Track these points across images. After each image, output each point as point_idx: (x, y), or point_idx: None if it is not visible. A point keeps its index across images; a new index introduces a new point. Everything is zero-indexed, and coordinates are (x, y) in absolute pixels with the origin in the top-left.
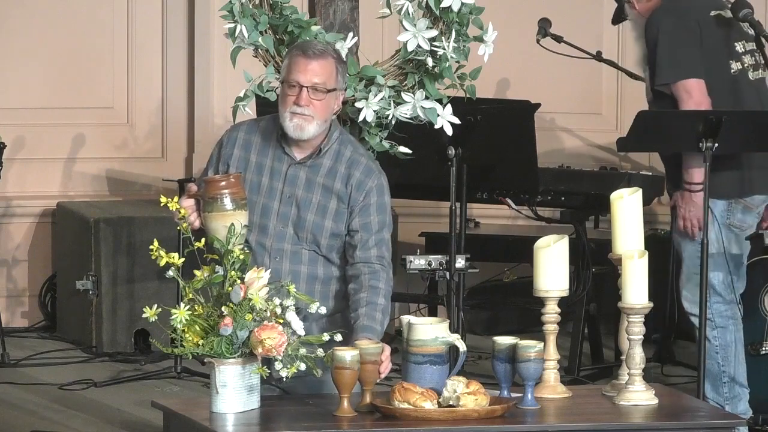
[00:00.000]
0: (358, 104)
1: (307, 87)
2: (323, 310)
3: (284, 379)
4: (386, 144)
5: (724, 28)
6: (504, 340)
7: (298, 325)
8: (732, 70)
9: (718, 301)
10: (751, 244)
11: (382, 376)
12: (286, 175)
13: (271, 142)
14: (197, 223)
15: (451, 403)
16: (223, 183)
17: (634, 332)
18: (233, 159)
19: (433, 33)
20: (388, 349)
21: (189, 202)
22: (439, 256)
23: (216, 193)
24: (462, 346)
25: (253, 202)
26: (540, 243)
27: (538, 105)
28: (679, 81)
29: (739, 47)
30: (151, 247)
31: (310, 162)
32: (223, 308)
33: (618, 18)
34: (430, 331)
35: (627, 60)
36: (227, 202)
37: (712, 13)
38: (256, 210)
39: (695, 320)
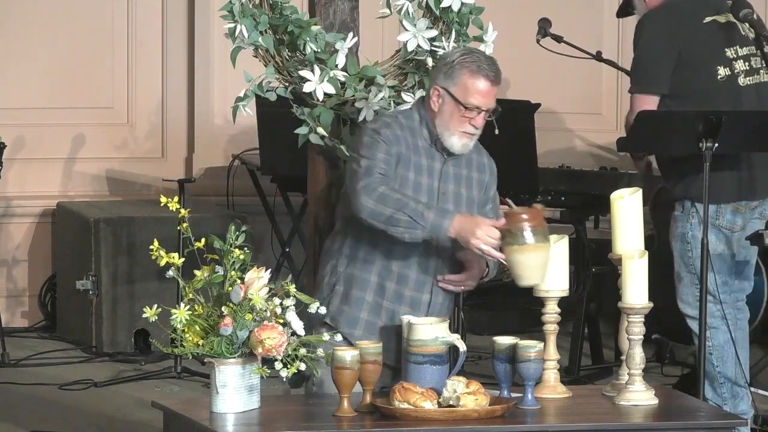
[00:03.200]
0: (358, 104)
1: (485, 110)
2: (323, 310)
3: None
4: None
5: (716, 34)
6: (504, 340)
7: (298, 325)
8: (719, 76)
9: (710, 301)
10: (751, 243)
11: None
12: (441, 172)
13: (419, 140)
14: (500, 255)
15: (451, 403)
16: (525, 216)
17: (634, 332)
18: (400, 157)
19: (433, 33)
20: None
21: (495, 233)
22: None
23: (517, 227)
24: (462, 346)
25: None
26: None
27: (538, 105)
28: (634, 93)
29: (730, 53)
30: (151, 247)
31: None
32: (223, 308)
33: (624, 11)
34: (430, 331)
35: (627, 60)
36: (528, 235)
37: (707, 19)
38: (423, 199)
39: (689, 321)
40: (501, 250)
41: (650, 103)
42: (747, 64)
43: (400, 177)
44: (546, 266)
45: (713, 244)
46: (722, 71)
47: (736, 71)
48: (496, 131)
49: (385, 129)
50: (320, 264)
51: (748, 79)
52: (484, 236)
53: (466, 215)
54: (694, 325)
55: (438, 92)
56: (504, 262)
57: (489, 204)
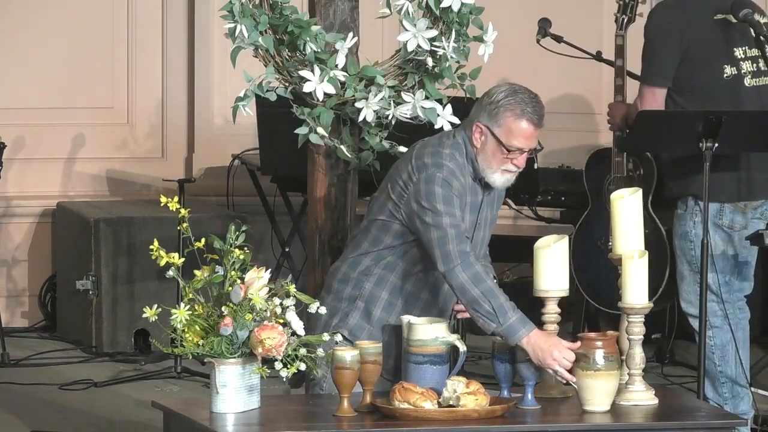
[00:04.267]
0: (358, 104)
1: (527, 150)
2: (323, 310)
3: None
4: (386, 144)
5: (725, 33)
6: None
7: (298, 325)
8: (725, 75)
9: (711, 300)
10: (751, 244)
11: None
12: (480, 204)
13: (467, 178)
14: (571, 377)
15: (451, 403)
16: (600, 343)
17: (634, 332)
18: (464, 206)
19: (433, 33)
20: None
21: (571, 355)
22: None
23: (591, 352)
24: (462, 346)
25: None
26: (540, 243)
27: None
28: (643, 83)
29: (738, 53)
30: (151, 247)
31: None
32: (223, 308)
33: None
34: (430, 331)
35: (627, 60)
36: (600, 361)
37: (718, 16)
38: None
39: (691, 320)
40: (572, 373)
41: (658, 95)
42: (755, 65)
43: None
44: (614, 393)
45: (716, 243)
46: (729, 70)
47: (743, 71)
48: (536, 166)
49: (453, 179)
50: (339, 271)
51: (754, 80)
52: (561, 359)
53: (543, 333)
54: (696, 325)
55: (481, 130)
56: (574, 385)
57: (494, 222)
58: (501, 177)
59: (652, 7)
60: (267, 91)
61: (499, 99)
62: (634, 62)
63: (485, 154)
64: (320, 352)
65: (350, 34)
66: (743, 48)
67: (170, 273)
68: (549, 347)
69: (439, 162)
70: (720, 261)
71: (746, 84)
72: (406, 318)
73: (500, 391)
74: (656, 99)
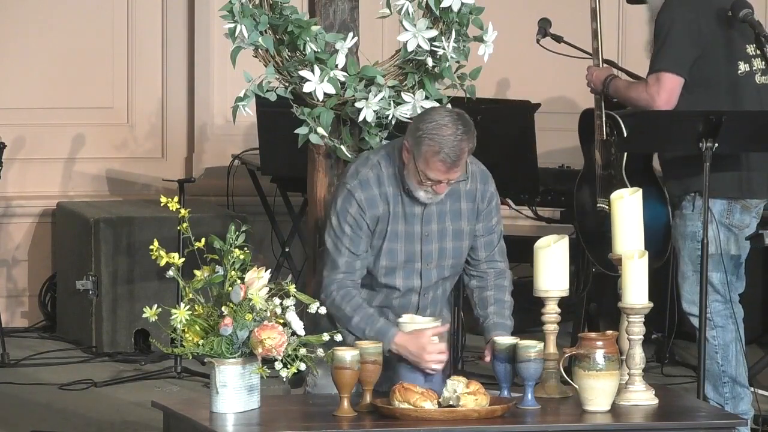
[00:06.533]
0: (358, 104)
1: (445, 182)
2: (323, 311)
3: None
4: None
5: (739, 29)
6: (504, 340)
7: (298, 325)
8: (739, 71)
9: (717, 300)
10: (751, 243)
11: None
12: (423, 215)
13: (399, 189)
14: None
15: (451, 403)
16: (600, 343)
17: (634, 332)
18: (377, 217)
19: (433, 33)
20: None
21: (441, 347)
22: None
23: (591, 352)
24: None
25: (395, 250)
26: (540, 243)
27: (538, 105)
28: (664, 71)
29: (750, 50)
30: (151, 247)
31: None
32: (223, 308)
33: None
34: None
35: (627, 60)
36: (601, 361)
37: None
38: (400, 258)
39: (694, 320)
40: (572, 373)
41: (678, 84)
42: (764, 62)
43: (385, 232)
44: (614, 393)
45: (723, 242)
46: (742, 66)
47: (754, 68)
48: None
49: (359, 191)
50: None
51: (764, 78)
52: (435, 356)
53: (408, 335)
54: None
55: (407, 149)
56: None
57: (480, 223)
58: (425, 195)
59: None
60: (267, 91)
61: (421, 129)
62: (633, 62)
63: (408, 172)
64: (320, 352)
65: (350, 34)
66: (753, 45)
67: (170, 273)
68: (418, 351)
69: (357, 171)
70: (726, 261)
71: (756, 81)
72: (400, 319)
73: (500, 391)
74: (674, 87)
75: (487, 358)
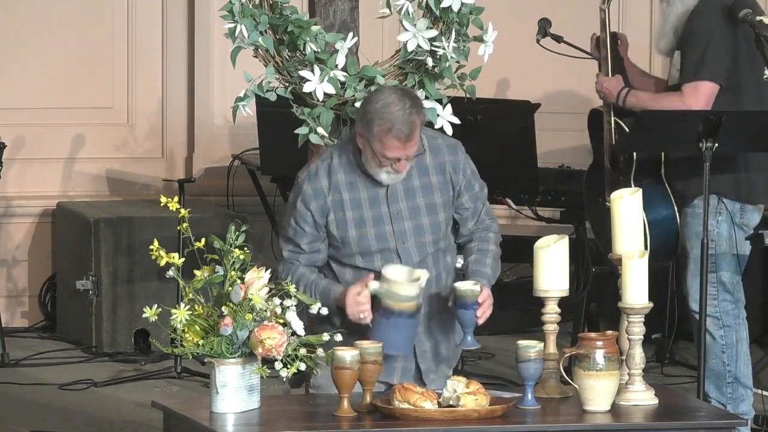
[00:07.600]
0: (358, 104)
1: (404, 158)
2: (324, 311)
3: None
4: None
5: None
6: (463, 285)
7: (298, 325)
8: (765, 76)
9: (727, 299)
10: (751, 243)
11: (480, 321)
12: (387, 195)
13: (355, 174)
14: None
15: (451, 403)
16: (600, 343)
17: (634, 332)
18: (328, 207)
19: (433, 33)
20: (486, 291)
21: (362, 297)
22: None
23: (591, 352)
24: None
25: (366, 235)
26: (540, 243)
27: (538, 105)
28: (705, 80)
29: None
30: (151, 247)
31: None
32: (223, 308)
33: None
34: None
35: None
36: (601, 361)
37: (758, 18)
38: (372, 241)
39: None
40: (572, 373)
41: (715, 91)
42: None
43: (337, 221)
44: (614, 393)
45: (735, 242)
46: (767, 71)
47: None
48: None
49: (309, 182)
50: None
51: None
52: (353, 308)
53: (342, 291)
54: (708, 324)
55: (361, 135)
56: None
57: (464, 195)
58: (387, 176)
59: (698, 4)
60: (267, 91)
61: (373, 109)
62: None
63: (366, 156)
64: (320, 352)
65: (350, 34)
66: None
67: (170, 273)
68: (347, 304)
69: (309, 164)
70: (735, 260)
71: None
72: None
73: (463, 337)
74: (712, 95)
75: (450, 304)
